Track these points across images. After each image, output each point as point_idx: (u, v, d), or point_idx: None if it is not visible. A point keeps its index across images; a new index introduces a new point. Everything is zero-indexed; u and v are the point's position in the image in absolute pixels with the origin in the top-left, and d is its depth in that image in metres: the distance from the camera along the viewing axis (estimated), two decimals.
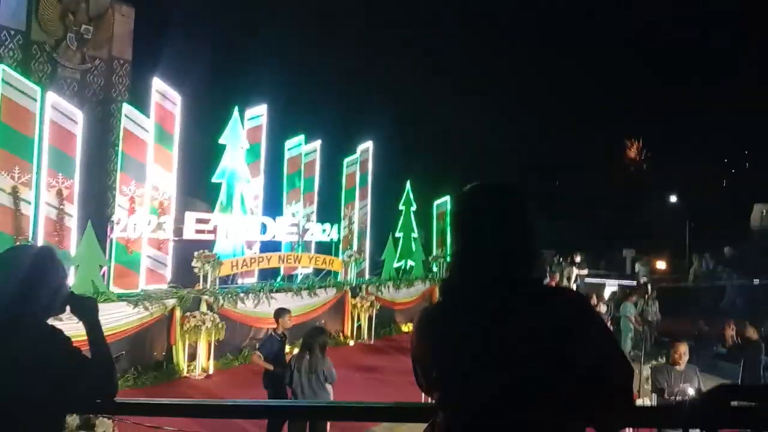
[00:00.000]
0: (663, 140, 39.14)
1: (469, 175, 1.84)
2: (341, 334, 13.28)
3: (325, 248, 14.24)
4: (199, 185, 13.64)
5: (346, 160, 15.15)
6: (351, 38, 27.45)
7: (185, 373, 9.92)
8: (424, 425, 1.67)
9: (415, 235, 16.80)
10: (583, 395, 1.45)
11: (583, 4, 37.70)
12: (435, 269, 16.70)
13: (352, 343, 13.20)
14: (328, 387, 6.42)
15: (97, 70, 13.54)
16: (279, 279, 12.87)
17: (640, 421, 2.10)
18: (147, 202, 10.57)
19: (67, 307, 2.12)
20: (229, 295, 10.80)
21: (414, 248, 16.70)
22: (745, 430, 1.67)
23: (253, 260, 12.30)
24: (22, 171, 9.13)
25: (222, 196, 12.64)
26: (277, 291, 11.76)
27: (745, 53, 35.87)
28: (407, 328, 14.32)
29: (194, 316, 9.97)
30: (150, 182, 10.65)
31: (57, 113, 9.56)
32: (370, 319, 13.61)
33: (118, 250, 10.05)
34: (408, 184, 16.91)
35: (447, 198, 17.26)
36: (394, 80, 27.06)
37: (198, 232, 11.40)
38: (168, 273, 10.88)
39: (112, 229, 10.05)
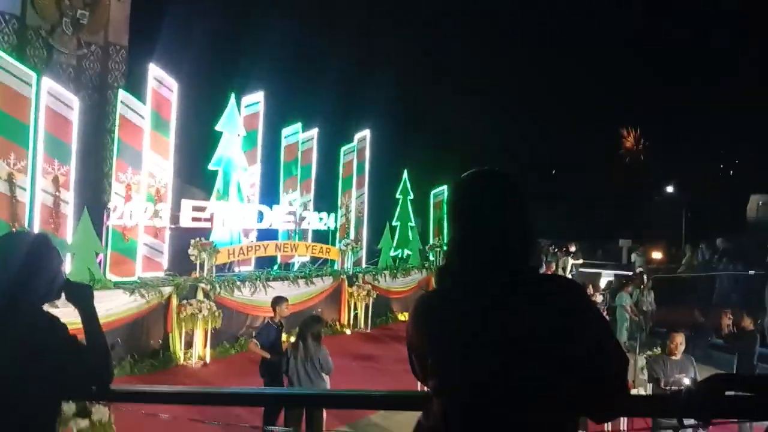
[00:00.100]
0: (663, 140, 39.17)
1: (467, 165, 1.83)
2: (338, 323, 13.30)
3: (322, 237, 14.25)
4: (196, 172, 13.59)
5: (344, 149, 15.13)
6: (350, 26, 27.31)
7: (182, 361, 9.94)
8: (420, 413, 1.67)
9: (412, 224, 16.83)
10: (582, 391, 1.46)
11: (583, 4, 37.50)
12: (432, 258, 16.71)
13: (348, 331, 13.23)
14: (325, 376, 6.41)
15: (93, 56, 13.41)
16: (276, 267, 12.88)
17: (636, 410, 2.11)
18: (143, 189, 10.54)
19: (63, 294, 2.11)
20: (226, 283, 10.79)
21: (411, 237, 16.72)
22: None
23: (249, 248, 12.29)
24: (17, 157, 9.06)
25: (218, 183, 12.60)
26: (273, 279, 11.77)
27: (745, 53, 35.77)
28: (404, 316, 14.34)
29: (191, 304, 9.96)
30: (146, 169, 10.61)
31: (53, 99, 9.47)
32: (366, 307, 13.64)
33: (114, 238, 10.03)
34: (405, 173, 16.91)
35: (444, 187, 17.22)
36: (392, 70, 26.93)
37: (195, 219, 11.41)
38: (165, 261, 10.87)
39: (108, 216, 10.02)
